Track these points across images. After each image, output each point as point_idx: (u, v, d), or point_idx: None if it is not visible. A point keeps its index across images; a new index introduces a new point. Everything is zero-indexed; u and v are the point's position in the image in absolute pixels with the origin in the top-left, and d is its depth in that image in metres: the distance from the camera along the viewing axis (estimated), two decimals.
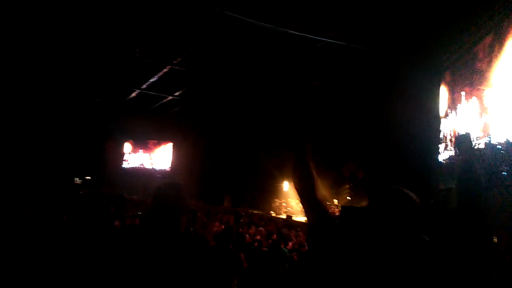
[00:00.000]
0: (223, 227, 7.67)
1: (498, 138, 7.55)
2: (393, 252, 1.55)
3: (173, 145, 28.48)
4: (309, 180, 1.91)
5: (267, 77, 15.55)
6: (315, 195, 1.87)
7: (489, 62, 8.31)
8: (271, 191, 23.24)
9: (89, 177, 26.92)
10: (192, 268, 1.86)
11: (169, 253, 1.83)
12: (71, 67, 16.47)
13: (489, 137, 7.91)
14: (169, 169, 28.26)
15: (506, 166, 7.31)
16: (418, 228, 1.59)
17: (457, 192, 1.77)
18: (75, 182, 26.42)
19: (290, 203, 21.31)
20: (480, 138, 8.36)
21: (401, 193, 1.64)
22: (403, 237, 1.56)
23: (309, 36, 10.85)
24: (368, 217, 1.65)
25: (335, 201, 18.68)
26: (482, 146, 8.24)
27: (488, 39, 8.49)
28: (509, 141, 7.12)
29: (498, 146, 7.51)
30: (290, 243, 8.01)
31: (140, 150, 29.22)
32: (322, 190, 1.93)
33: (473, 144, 8.45)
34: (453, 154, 9.92)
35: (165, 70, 16.25)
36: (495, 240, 7.37)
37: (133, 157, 29.19)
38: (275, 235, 8.52)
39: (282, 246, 7.40)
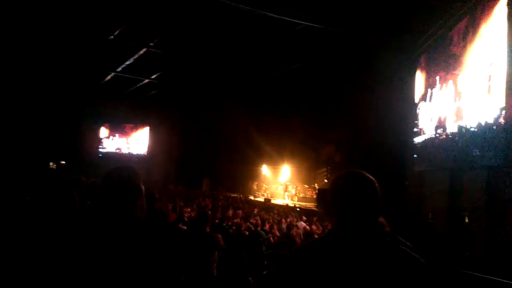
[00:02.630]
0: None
1: (471, 121, 7.72)
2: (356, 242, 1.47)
3: (150, 129, 28.20)
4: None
5: (244, 59, 15.44)
6: None
7: (464, 47, 8.44)
8: (249, 175, 23.36)
9: (64, 162, 26.48)
10: (151, 251, 1.82)
11: (124, 237, 1.80)
12: (44, 49, 16.00)
13: (462, 121, 8.08)
14: (146, 154, 28.03)
15: (477, 149, 7.49)
16: (378, 214, 1.52)
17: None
18: (50, 166, 25.99)
19: (268, 186, 21.48)
20: (454, 121, 8.54)
21: (363, 178, 1.56)
22: (365, 223, 1.49)
23: (286, 19, 10.78)
24: (330, 201, 1.57)
25: (315, 185, 18.94)
26: (455, 129, 8.42)
27: (463, 24, 8.60)
28: (481, 124, 7.29)
29: (471, 129, 7.68)
30: (267, 225, 8.09)
31: (116, 134, 28.82)
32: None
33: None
34: (428, 137, 10.11)
35: (141, 52, 15.94)
36: (467, 220, 7.60)
37: (110, 142, 28.78)
38: (252, 218, 8.57)
39: (260, 228, 7.48)
